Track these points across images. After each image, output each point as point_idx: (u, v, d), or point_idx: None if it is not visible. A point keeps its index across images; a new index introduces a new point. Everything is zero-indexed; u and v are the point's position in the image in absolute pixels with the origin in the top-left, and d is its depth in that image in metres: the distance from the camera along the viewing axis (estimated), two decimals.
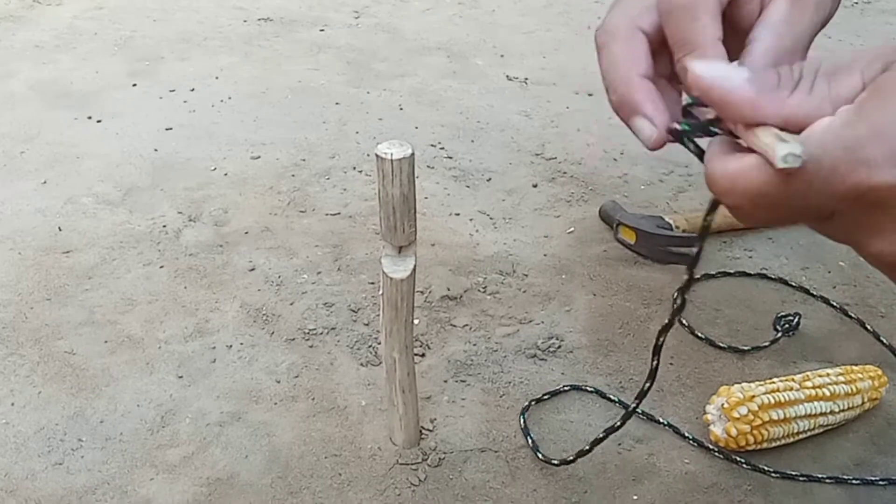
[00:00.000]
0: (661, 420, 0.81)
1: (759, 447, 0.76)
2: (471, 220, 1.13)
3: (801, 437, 0.78)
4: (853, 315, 0.96)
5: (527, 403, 0.82)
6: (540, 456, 0.76)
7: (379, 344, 0.89)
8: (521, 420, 0.81)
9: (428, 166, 1.25)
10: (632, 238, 1.06)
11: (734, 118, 0.33)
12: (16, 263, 1.01)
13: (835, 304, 0.98)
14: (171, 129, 1.33)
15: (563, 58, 1.66)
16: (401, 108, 1.44)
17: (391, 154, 0.58)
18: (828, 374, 0.80)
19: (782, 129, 0.32)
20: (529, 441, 0.78)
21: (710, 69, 0.33)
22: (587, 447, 0.71)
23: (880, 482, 0.76)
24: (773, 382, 0.78)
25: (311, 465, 0.76)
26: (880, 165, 0.30)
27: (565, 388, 0.85)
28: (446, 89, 1.51)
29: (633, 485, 0.75)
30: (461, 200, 1.18)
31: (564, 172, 1.25)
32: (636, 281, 1.02)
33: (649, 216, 1.09)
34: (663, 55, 0.43)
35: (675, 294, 0.44)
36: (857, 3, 2.05)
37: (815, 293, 1.00)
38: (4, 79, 1.48)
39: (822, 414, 0.77)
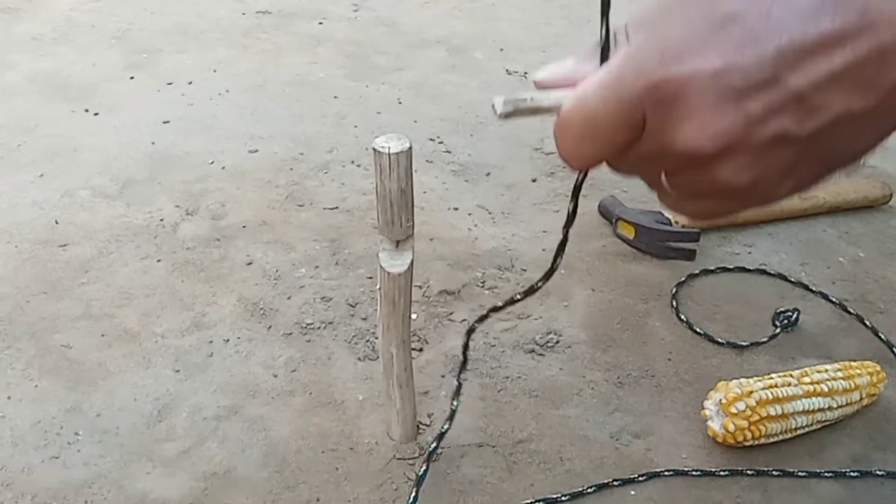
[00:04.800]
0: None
1: (757, 443, 0.76)
2: (469, 214, 1.13)
3: (799, 432, 0.78)
4: (852, 311, 0.96)
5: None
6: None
7: (376, 338, 0.89)
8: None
9: (427, 160, 1.25)
10: (631, 233, 1.06)
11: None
12: (13, 256, 1.01)
13: (834, 299, 0.98)
14: (168, 122, 1.32)
15: (563, 52, 1.65)
16: (400, 102, 1.43)
17: (388, 148, 0.57)
18: (826, 370, 0.80)
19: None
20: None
21: (542, 71, 0.37)
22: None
23: (878, 472, 0.76)
24: (772, 378, 0.78)
25: (308, 459, 0.76)
26: (659, 66, 0.32)
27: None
28: (445, 83, 1.50)
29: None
30: (460, 195, 1.17)
31: (563, 167, 1.25)
32: (635, 276, 1.02)
33: (648, 211, 1.09)
34: None
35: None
36: None
37: (814, 289, 1.00)
38: (2, 71, 1.47)
39: (820, 410, 0.77)
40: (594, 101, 0.34)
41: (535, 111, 0.36)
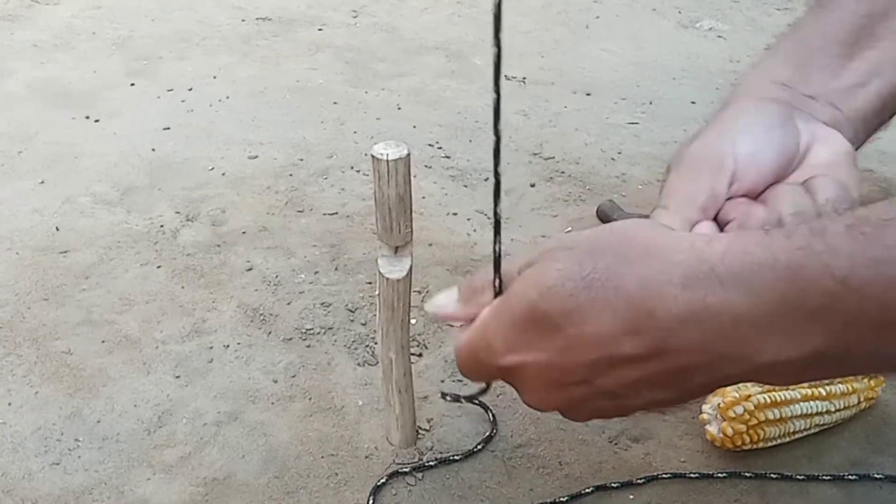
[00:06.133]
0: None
1: (755, 447, 0.76)
2: (468, 219, 1.14)
3: (796, 436, 0.78)
4: None
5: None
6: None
7: (376, 344, 0.89)
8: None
9: (426, 166, 1.25)
10: None
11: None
12: (13, 263, 1.01)
13: None
14: (168, 128, 1.33)
15: (561, 57, 1.66)
16: (399, 108, 1.44)
17: (387, 155, 0.58)
18: None
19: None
20: None
21: (432, 303, 0.49)
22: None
23: (876, 476, 0.76)
24: None
25: (307, 464, 0.77)
26: (501, 352, 0.43)
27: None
28: (444, 89, 1.51)
29: (629, 484, 0.75)
30: (459, 200, 1.18)
31: (562, 172, 1.25)
32: None
33: (647, 216, 1.09)
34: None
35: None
36: None
37: None
38: (2, 78, 1.48)
39: (817, 413, 0.77)
40: (466, 356, 0.46)
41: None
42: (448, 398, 0.68)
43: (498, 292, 0.46)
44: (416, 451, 0.78)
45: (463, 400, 0.63)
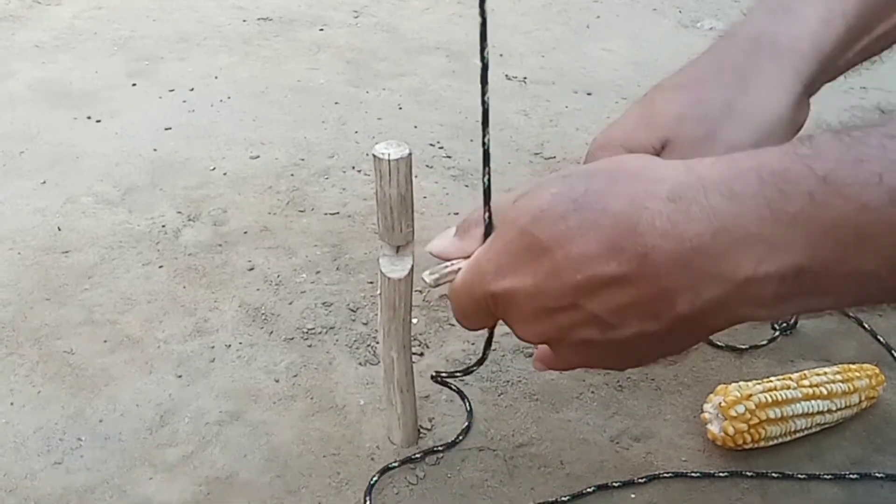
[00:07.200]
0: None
1: (756, 446, 0.77)
2: None
3: (798, 435, 0.78)
4: (851, 314, 0.96)
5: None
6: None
7: (377, 343, 0.89)
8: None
9: (427, 166, 1.25)
10: None
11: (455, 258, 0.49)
12: (15, 263, 1.01)
13: None
14: (170, 128, 1.33)
15: (561, 57, 1.66)
16: (400, 108, 1.44)
17: (388, 154, 0.58)
18: (825, 373, 0.80)
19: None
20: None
21: (432, 244, 0.52)
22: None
23: (877, 475, 0.76)
24: (771, 381, 0.79)
25: (309, 464, 0.77)
26: (491, 278, 0.43)
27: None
28: (445, 89, 1.51)
29: (630, 483, 0.76)
30: (460, 200, 1.18)
31: None
32: None
33: None
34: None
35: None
36: None
37: None
38: (4, 79, 1.48)
39: (819, 413, 0.78)
40: (461, 292, 0.46)
41: (453, 275, 0.49)
42: (442, 376, 0.67)
43: (488, 224, 0.47)
44: (418, 450, 0.78)
45: (459, 374, 0.63)
